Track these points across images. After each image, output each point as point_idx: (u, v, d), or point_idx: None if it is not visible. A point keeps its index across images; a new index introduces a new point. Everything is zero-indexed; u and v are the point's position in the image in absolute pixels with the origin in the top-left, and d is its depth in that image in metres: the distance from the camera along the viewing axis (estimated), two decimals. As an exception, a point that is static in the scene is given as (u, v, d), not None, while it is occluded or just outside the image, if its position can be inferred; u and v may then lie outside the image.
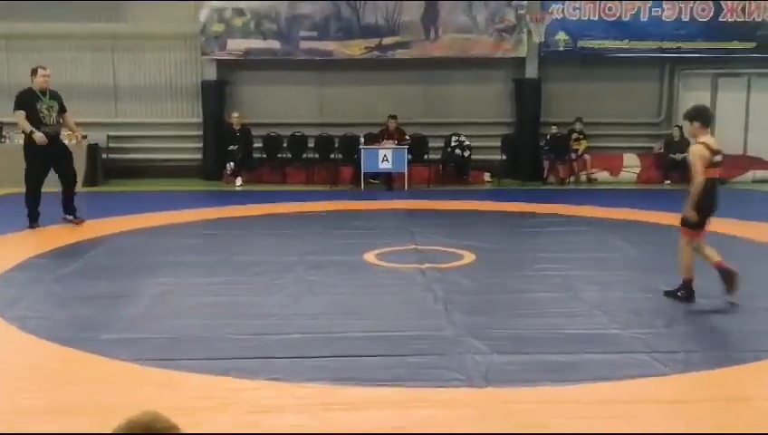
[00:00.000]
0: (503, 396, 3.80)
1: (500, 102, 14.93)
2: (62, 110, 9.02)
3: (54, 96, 8.95)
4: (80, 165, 13.35)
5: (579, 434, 3.37)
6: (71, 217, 9.03)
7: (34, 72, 8.91)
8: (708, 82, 15.64)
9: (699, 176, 5.60)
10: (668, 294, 5.83)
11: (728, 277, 5.66)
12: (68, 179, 9.08)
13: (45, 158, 8.74)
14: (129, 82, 14.81)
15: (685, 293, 5.77)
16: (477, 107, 15.04)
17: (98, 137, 14.16)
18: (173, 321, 5.11)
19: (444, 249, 7.58)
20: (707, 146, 5.66)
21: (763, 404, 3.69)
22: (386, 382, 3.97)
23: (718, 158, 5.75)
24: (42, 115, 8.70)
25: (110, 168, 14.50)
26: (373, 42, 14.48)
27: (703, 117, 5.79)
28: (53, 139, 8.78)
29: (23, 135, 8.91)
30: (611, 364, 4.26)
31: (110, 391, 3.87)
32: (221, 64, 14.76)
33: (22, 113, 8.68)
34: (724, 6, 14.55)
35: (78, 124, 13.90)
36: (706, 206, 5.74)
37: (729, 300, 5.60)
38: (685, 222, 5.79)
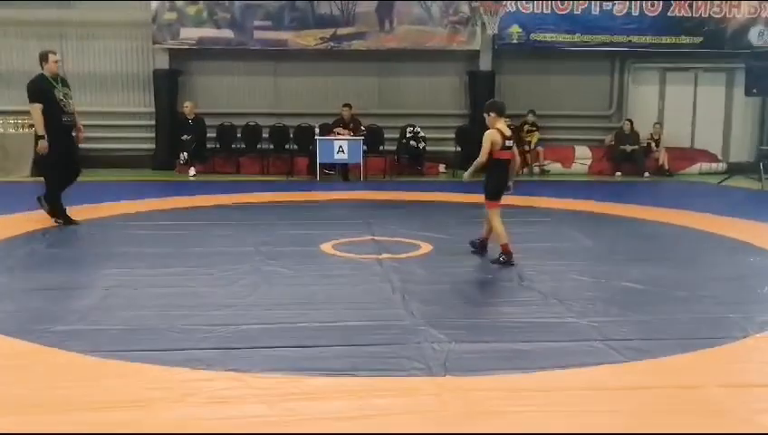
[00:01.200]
0: (462, 384, 3.83)
1: (454, 94, 15.05)
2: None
3: (65, 82, 8.35)
4: (26, 154, 13.14)
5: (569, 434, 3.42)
6: (58, 221, 8.34)
7: (44, 57, 8.19)
8: (657, 75, 16.01)
9: (484, 155, 6.65)
10: (494, 262, 6.61)
11: (482, 248, 6.94)
12: (76, 171, 8.60)
13: (66, 149, 8.25)
14: (79, 70, 14.51)
15: (506, 257, 6.56)
16: (432, 99, 15.13)
17: (46, 126, 13.83)
18: (128, 312, 5.02)
19: (401, 240, 7.61)
20: (501, 132, 6.66)
21: (715, 391, 3.78)
22: (345, 372, 3.97)
23: (509, 143, 6.75)
24: (62, 103, 8.11)
25: (59, 157, 14.17)
26: (328, 32, 14.45)
27: (496, 108, 6.75)
28: (71, 128, 8.31)
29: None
30: (567, 352, 4.32)
31: (65, 383, 3.79)
32: (174, 53, 14.56)
33: (39, 107, 7.98)
34: (672, 2, 14.86)
35: (20, 113, 13.73)
36: (500, 182, 6.77)
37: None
38: (487, 194, 6.78)
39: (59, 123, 8.10)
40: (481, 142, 6.79)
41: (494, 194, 6.78)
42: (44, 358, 4.16)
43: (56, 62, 8.19)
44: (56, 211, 8.32)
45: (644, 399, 3.68)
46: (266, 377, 3.88)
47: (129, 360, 4.09)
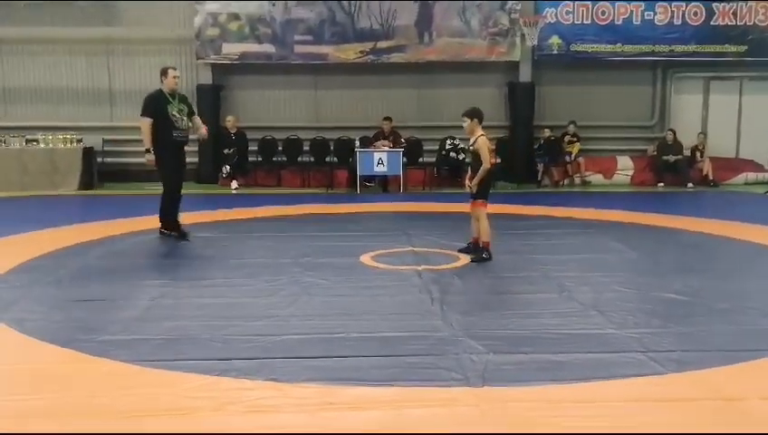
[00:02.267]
0: (500, 395, 3.82)
1: (494, 106, 15.00)
2: (191, 113, 8.51)
3: (183, 99, 8.42)
4: (74, 168, 13.48)
5: (578, 434, 3.39)
6: (169, 233, 8.43)
7: (164, 72, 8.31)
8: (700, 85, 15.76)
9: (488, 162, 7.06)
10: (475, 260, 7.07)
11: (476, 250, 7.24)
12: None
13: (175, 164, 8.34)
14: (125, 86, 14.87)
15: (488, 254, 7.12)
16: (472, 110, 15.08)
17: (93, 140, 14.23)
18: (170, 322, 5.11)
19: (440, 251, 7.62)
20: (487, 138, 7.22)
21: (758, 404, 3.72)
22: (383, 382, 3.99)
23: (492, 147, 7.48)
24: (174, 119, 8.16)
25: (106, 171, 14.52)
26: (368, 45, 14.54)
27: (480, 115, 7.20)
28: (183, 144, 8.42)
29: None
30: (607, 363, 4.28)
31: (109, 391, 3.88)
32: (216, 68, 14.80)
33: (147, 121, 8.07)
34: (715, 10, 14.67)
35: (72, 128, 14.09)
36: (489, 185, 7.41)
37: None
38: (478, 196, 7.22)
39: (170, 138, 8.16)
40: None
41: (486, 195, 7.30)
42: (89, 366, 4.26)
43: (175, 77, 8.25)
44: (167, 225, 8.41)
45: (686, 411, 3.63)
46: (305, 387, 3.92)
47: (171, 369, 4.17)
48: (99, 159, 14.40)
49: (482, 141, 7.12)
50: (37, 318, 5.22)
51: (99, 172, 14.34)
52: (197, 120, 8.59)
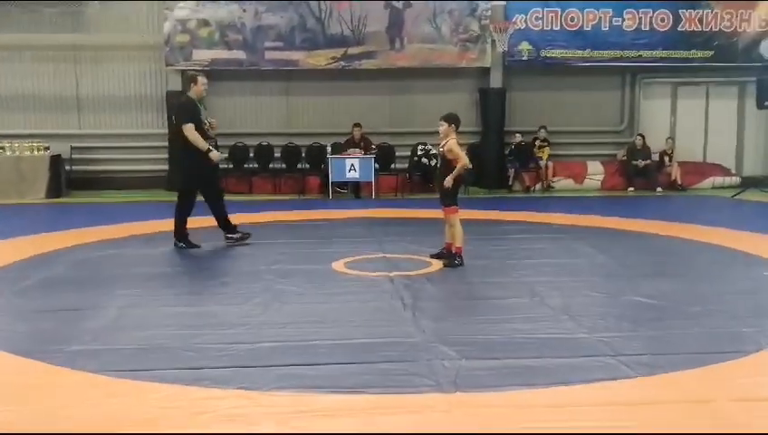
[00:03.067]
0: (472, 401, 3.82)
1: (466, 111, 15.01)
2: None
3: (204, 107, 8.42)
4: (41, 177, 13.28)
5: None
6: (236, 236, 8.46)
7: (193, 79, 8.22)
8: (668, 90, 15.96)
9: (463, 159, 7.09)
10: (449, 264, 7.14)
11: (449, 256, 7.26)
12: (221, 194, 8.62)
13: (210, 171, 8.25)
14: (93, 92, 14.69)
15: (460, 260, 7.17)
16: (443, 116, 15.13)
17: (61, 148, 14.02)
18: (140, 332, 5.06)
19: (412, 257, 7.62)
20: (458, 142, 7.25)
21: (727, 405, 3.76)
22: (356, 389, 3.98)
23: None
24: (206, 128, 8.17)
25: (74, 179, 14.32)
26: (339, 52, 14.52)
27: (456, 121, 7.31)
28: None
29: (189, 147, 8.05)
30: (579, 368, 4.31)
31: (76, 403, 3.82)
32: (186, 75, 14.65)
33: (192, 126, 7.95)
34: (682, 16, 14.86)
35: (39, 136, 13.89)
36: (457, 190, 7.38)
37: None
38: (449, 202, 7.25)
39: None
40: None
41: (455, 201, 7.33)
42: (55, 378, 4.19)
43: (205, 85, 8.19)
44: (180, 235, 8.26)
45: (656, 414, 3.66)
46: (277, 395, 3.90)
47: (141, 379, 4.12)
48: (67, 167, 14.20)
49: (452, 142, 7.16)
50: (0, 329, 5.12)
51: (67, 180, 14.14)
52: (211, 120, 8.53)
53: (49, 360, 4.44)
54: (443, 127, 7.23)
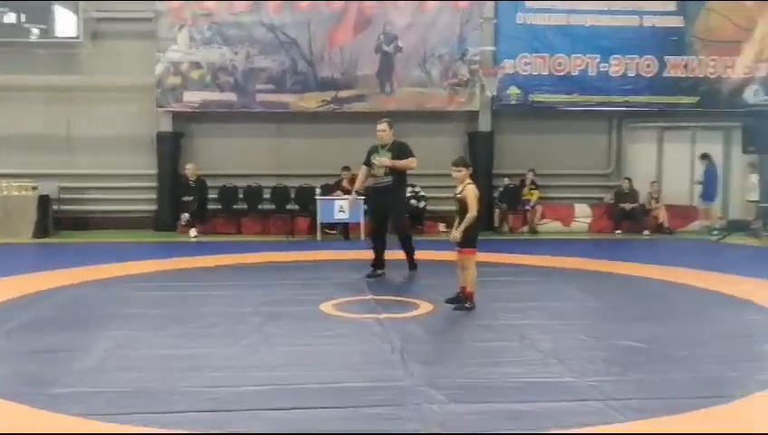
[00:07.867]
0: (461, 446, 3.79)
1: (454, 154, 14.99)
2: (400, 157, 9.04)
3: (392, 147, 9.07)
4: (29, 216, 13.23)
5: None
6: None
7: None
8: (654, 134, 16.17)
9: (474, 210, 7.02)
10: (458, 308, 7.04)
11: (462, 300, 7.12)
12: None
13: (373, 208, 9.42)
14: (84, 133, 14.77)
15: (471, 304, 7.07)
16: (432, 158, 15.16)
17: (49, 188, 14.00)
18: (126, 374, 5.00)
19: (401, 299, 7.60)
20: (476, 187, 7.19)
21: (716, 449, 3.75)
22: (344, 434, 3.93)
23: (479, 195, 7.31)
24: (373, 169, 9.06)
25: (62, 219, 14.29)
26: (329, 95, 14.68)
27: (469, 165, 7.30)
28: (378, 190, 9.11)
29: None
30: (567, 412, 4.28)
31: (60, 447, 3.76)
32: (177, 116, 14.78)
33: (363, 169, 9.23)
34: (667, 63, 15.12)
35: (28, 176, 13.86)
36: (477, 232, 7.25)
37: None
38: (467, 244, 7.11)
39: (370, 184, 9.29)
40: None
41: (474, 244, 7.21)
42: (36, 421, 4.11)
43: (378, 132, 9.11)
44: (374, 262, 9.20)
45: (645, 460, 3.63)
46: (263, 440, 3.85)
47: (125, 422, 4.06)
48: (54, 207, 14.16)
49: (470, 189, 7.10)
50: (-15, 371, 5.06)
51: (55, 220, 14.09)
52: (399, 162, 9.10)
53: (30, 402, 4.36)
54: (460, 173, 7.18)
